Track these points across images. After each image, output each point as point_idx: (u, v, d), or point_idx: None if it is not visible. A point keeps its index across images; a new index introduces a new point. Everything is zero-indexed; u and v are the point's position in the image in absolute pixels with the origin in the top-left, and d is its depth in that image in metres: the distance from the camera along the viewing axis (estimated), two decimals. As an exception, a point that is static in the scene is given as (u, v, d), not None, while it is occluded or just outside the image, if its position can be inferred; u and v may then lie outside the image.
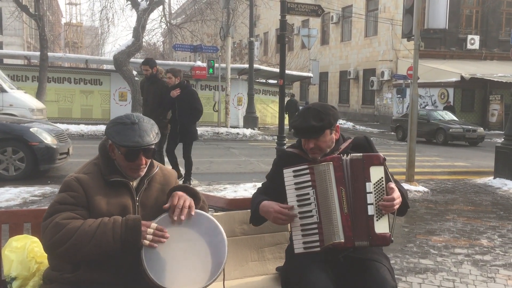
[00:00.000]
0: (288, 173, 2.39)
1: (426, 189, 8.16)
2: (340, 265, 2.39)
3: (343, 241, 2.27)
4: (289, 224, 2.95)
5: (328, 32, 34.68)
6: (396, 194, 2.33)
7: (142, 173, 2.20)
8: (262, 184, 2.73)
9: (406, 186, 8.04)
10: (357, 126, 25.76)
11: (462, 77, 23.77)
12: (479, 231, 5.83)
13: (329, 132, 2.47)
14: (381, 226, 2.30)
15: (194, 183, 8.22)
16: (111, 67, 19.36)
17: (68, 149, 8.66)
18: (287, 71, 23.89)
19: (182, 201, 2.14)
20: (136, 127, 2.12)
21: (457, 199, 7.76)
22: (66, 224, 1.98)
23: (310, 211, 2.34)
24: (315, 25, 32.08)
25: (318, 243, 2.31)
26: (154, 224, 2.06)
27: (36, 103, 13.41)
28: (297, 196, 2.37)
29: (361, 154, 2.36)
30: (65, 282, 2.07)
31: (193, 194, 2.25)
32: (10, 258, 2.24)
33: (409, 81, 21.32)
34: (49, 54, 17.61)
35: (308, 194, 2.35)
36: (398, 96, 25.58)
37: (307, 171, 2.36)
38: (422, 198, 7.69)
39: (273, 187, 2.58)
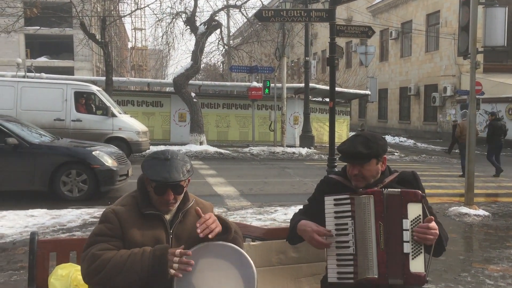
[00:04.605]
0: (329, 201, 2.40)
1: (486, 213, 7.77)
2: None
3: (376, 277, 2.27)
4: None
5: (387, 48, 34.07)
6: (433, 224, 2.28)
7: (172, 208, 2.29)
8: (303, 205, 2.73)
9: (465, 210, 7.71)
10: (418, 144, 24.94)
11: (531, 91, 22.57)
12: (542, 260, 5.48)
13: (375, 162, 2.45)
14: (417, 265, 2.26)
15: (246, 204, 8.31)
16: (172, 89, 20.08)
17: (128, 171, 9.05)
18: (344, 89, 23.89)
19: (209, 218, 2.21)
20: (167, 163, 2.23)
21: (521, 224, 7.34)
22: (101, 254, 2.12)
23: (347, 241, 2.34)
24: (373, 42, 31.64)
25: (352, 275, 2.31)
26: (179, 251, 2.11)
27: (141, 126, 14.54)
28: (336, 225, 2.38)
29: (399, 189, 2.33)
30: None
31: (224, 225, 2.30)
32: (55, 285, 2.41)
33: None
34: (114, 78, 18.55)
35: (346, 224, 2.35)
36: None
37: (348, 201, 2.36)
38: (481, 223, 7.33)
39: (312, 211, 2.58)
